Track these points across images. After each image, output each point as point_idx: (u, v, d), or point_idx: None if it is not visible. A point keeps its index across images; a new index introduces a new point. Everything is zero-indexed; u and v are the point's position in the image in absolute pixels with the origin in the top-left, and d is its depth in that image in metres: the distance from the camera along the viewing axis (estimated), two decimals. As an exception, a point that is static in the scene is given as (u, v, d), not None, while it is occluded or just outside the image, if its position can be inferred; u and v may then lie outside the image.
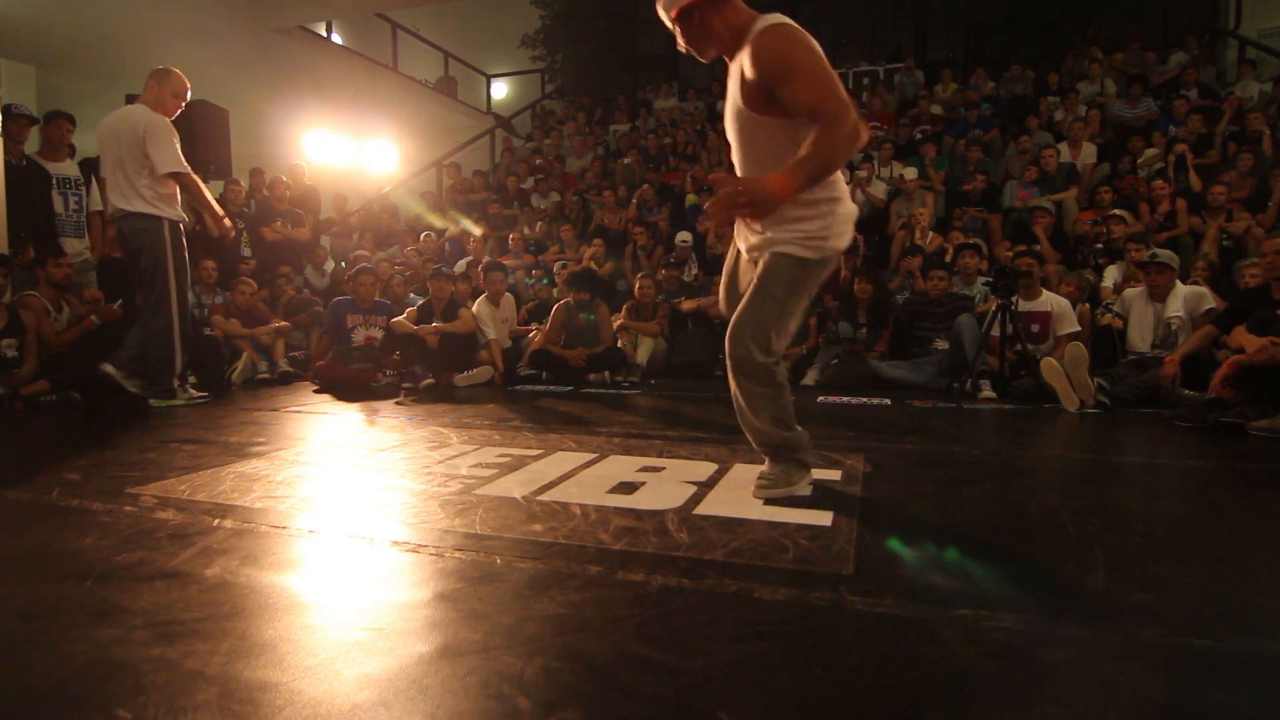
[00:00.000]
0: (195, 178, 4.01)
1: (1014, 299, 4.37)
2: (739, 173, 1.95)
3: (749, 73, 1.75)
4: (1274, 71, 8.57)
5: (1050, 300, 4.55)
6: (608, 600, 1.31)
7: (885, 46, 12.46)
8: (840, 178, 1.89)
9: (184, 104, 4.07)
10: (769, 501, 1.93)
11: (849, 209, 1.91)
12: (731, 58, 1.86)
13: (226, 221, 4.28)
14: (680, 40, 1.91)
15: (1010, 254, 5.15)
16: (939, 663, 1.10)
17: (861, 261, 6.15)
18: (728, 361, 1.92)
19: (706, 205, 1.82)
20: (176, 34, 8.26)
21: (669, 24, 1.89)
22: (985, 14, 12.09)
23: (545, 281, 6.86)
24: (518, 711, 0.95)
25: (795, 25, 1.76)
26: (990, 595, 1.36)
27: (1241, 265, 5.01)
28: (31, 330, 4.20)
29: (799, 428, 1.98)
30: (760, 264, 1.92)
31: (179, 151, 3.93)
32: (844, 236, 1.90)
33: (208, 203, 4.13)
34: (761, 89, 1.74)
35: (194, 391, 4.12)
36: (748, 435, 2.01)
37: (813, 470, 2.05)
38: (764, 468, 2.02)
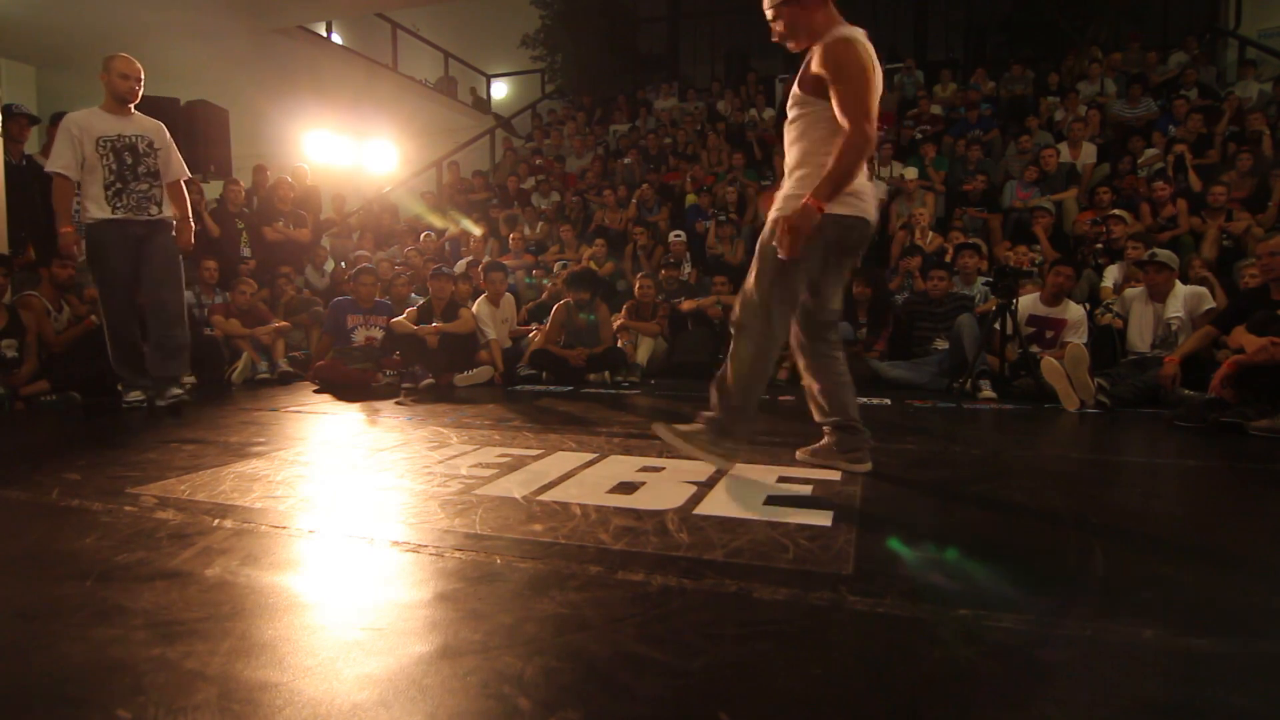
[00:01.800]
0: (58, 183, 3.64)
1: (1014, 299, 4.37)
2: (786, 151, 2.25)
3: (815, 66, 2.10)
4: (1274, 71, 8.57)
5: (1071, 309, 4.51)
6: (608, 600, 1.31)
7: (885, 46, 12.44)
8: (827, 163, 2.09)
9: (137, 82, 3.71)
10: (769, 500, 1.94)
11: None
12: (806, 50, 2.19)
13: (71, 240, 3.69)
14: (778, 27, 2.21)
15: (1047, 265, 4.99)
16: (939, 663, 1.10)
17: (860, 262, 6.14)
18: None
19: (780, 238, 2.10)
20: (176, 34, 8.26)
21: (770, 12, 2.20)
22: (985, 14, 12.07)
23: (545, 282, 6.86)
24: (518, 711, 0.95)
25: (861, 41, 2.10)
26: (990, 595, 1.36)
27: (1241, 265, 5.01)
28: (31, 330, 4.20)
29: (747, 416, 2.23)
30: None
31: (59, 150, 3.62)
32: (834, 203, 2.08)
33: (57, 211, 3.69)
34: (819, 80, 2.10)
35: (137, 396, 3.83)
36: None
37: (728, 462, 2.25)
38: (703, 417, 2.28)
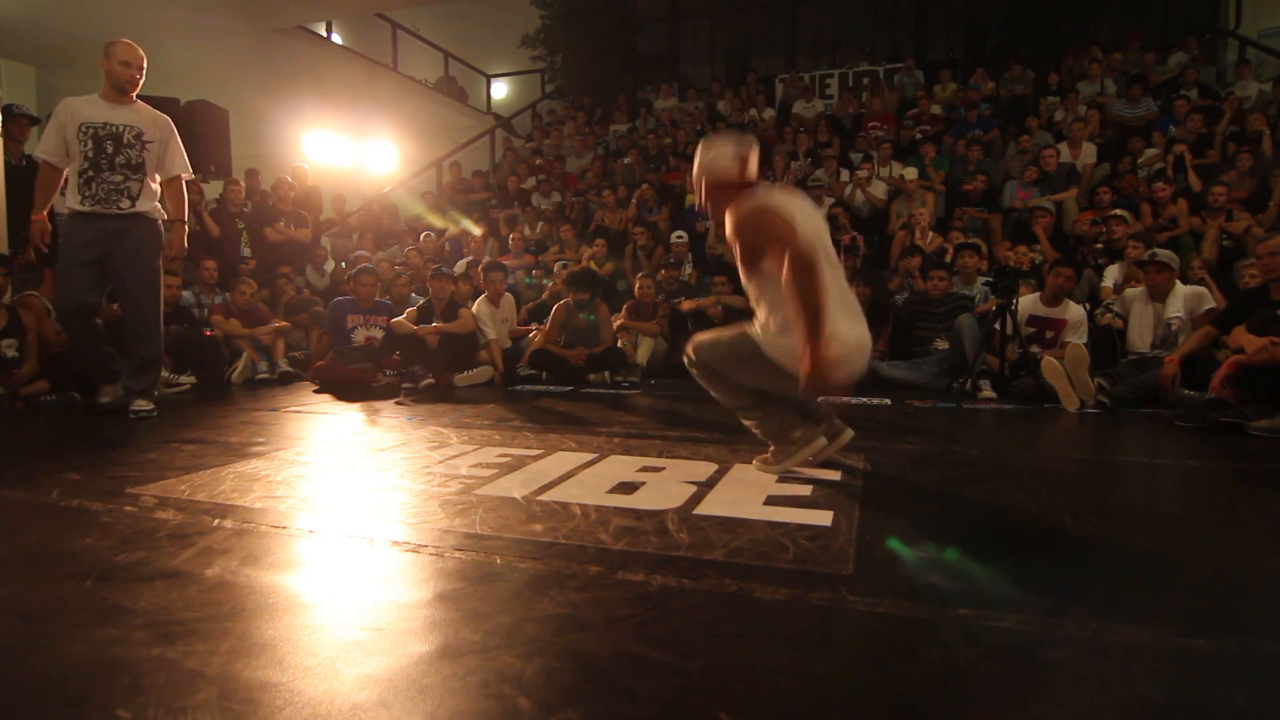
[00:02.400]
0: (46, 169, 3.52)
1: (1014, 299, 4.37)
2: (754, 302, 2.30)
3: (730, 235, 2.20)
4: (1274, 71, 8.57)
5: (1071, 309, 4.50)
6: (608, 600, 1.31)
7: (885, 46, 12.45)
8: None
9: (139, 71, 3.57)
10: (769, 500, 1.94)
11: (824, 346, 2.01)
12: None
13: (41, 229, 3.57)
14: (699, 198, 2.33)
15: (1048, 266, 4.93)
16: (939, 663, 1.10)
17: (861, 262, 6.15)
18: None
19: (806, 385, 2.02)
20: (176, 34, 8.26)
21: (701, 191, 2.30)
22: (985, 14, 12.07)
23: (545, 282, 6.86)
24: (518, 711, 0.95)
25: (775, 203, 2.13)
26: (990, 595, 1.36)
27: (1241, 265, 5.01)
28: (31, 330, 4.20)
29: (766, 411, 2.29)
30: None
31: (47, 135, 3.49)
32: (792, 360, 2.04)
33: (40, 198, 3.57)
34: (750, 250, 2.16)
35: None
36: None
37: (813, 446, 2.27)
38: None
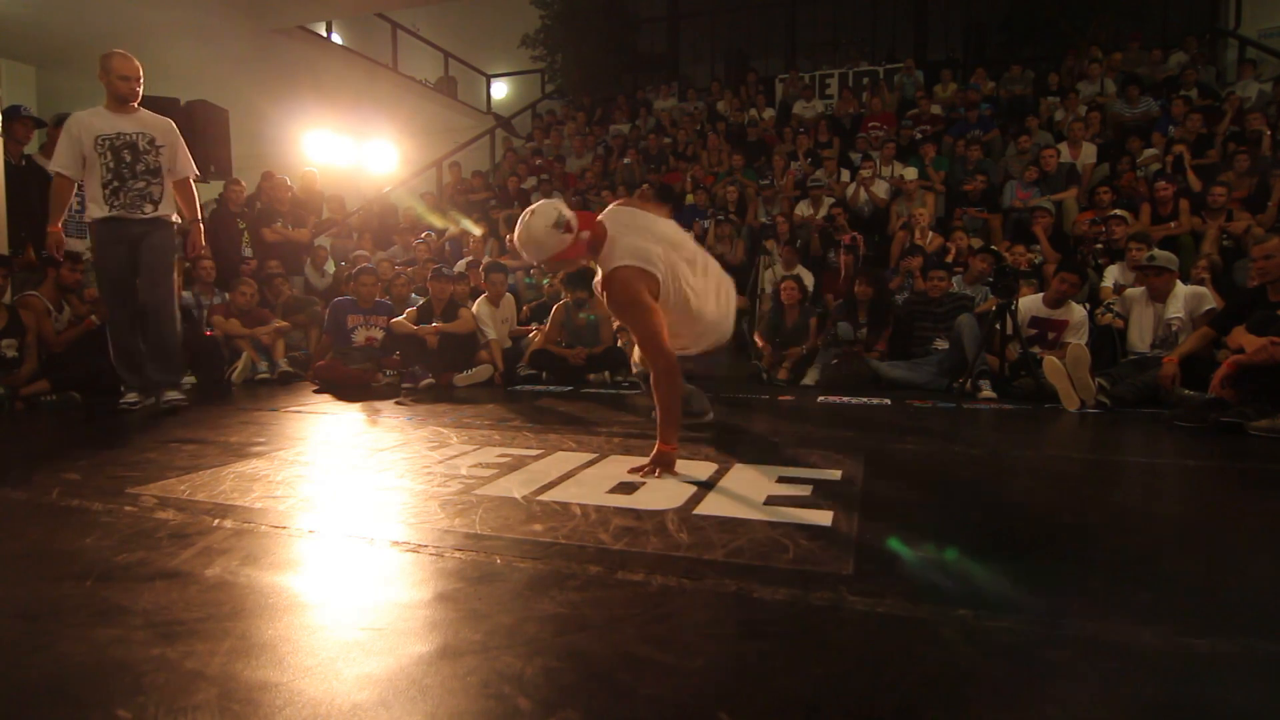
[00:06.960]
0: (60, 181, 3.68)
1: (1014, 299, 4.37)
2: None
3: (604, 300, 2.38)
4: (1274, 71, 8.56)
5: (1073, 310, 4.48)
6: (608, 600, 1.31)
7: (885, 46, 12.45)
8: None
9: (137, 82, 3.70)
10: (769, 500, 1.94)
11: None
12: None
13: (56, 240, 3.72)
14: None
15: (1050, 266, 4.90)
16: (939, 663, 1.10)
17: (862, 262, 6.14)
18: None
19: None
20: (176, 34, 8.26)
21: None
22: (985, 14, 12.06)
23: (545, 281, 6.85)
24: (518, 711, 0.95)
25: (636, 267, 2.27)
26: (990, 595, 1.36)
27: (1245, 264, 5.01)
28: (31, 330, 4.20)
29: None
30: None
31: (60, 149, 3.65)
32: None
33: (54, 210, 3.72)
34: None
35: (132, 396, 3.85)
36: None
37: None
38: None
